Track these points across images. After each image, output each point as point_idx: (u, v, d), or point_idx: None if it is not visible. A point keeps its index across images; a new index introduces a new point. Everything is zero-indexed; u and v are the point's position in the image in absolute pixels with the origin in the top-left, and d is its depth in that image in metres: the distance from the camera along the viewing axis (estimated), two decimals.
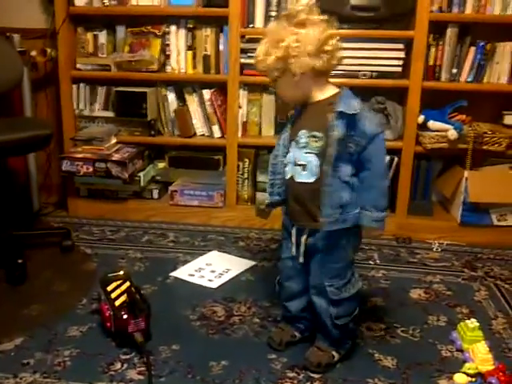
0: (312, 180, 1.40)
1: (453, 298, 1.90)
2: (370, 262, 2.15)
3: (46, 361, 1.49)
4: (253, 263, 2.11)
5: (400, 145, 2.36)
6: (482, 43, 2.28)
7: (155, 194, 2.58)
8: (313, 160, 1.39)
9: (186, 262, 2.11)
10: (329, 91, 1.41)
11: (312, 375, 1.46)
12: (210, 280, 1.97)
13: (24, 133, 1.98)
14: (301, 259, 1.48)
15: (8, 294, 1.85)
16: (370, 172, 1.39)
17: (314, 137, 1.38)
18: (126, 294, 1.60)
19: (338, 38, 1.37)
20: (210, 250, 2.22)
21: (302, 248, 1.46)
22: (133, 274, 1.80)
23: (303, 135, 1.40)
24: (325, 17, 1.36)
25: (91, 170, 2.41)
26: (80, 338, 1.60)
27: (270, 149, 1.62)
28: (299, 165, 1.41)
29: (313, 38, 1.32)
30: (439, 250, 2.29)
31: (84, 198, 2.57)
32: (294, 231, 1.48)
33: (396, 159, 2.38)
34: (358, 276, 1.51)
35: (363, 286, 1.94)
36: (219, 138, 2.49)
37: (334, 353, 1.50)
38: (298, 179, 1.42)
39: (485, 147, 2.28)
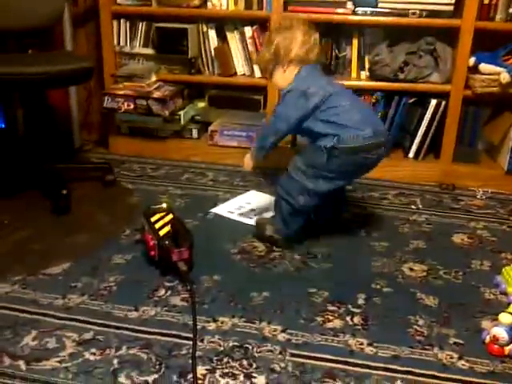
0: None
1: (497, 244, 1.86)
2: (412, 207, 2.11)
3: (93, 285, 1.53)
4: None
5: (448, 88, 2.27)
6: None
7: (195, 133, 2.57)
8: None
9: (225, 200, 2.12)
10: None
11: (352, 309, 1.46)
12: (249, 217, 1.97)
13: (65, 65, 1.97)
14: None
15: (53, 223, 1.89)
16: None
17: None
18: (169, 225, 1.62)
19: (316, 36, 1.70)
20: (248, 190, 2.22)
21: None
22: (174, 209, 1.81)
23: None
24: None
25: (132, 106, 2.40)
26: (124, 266, 1.64)
27: None
28: None
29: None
30: (483, 197, 2.23)
31: (125, 136, 2.58)
32: None
33: (443, 103, 2.29)
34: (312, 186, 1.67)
35: (403, 228, 1.93)
36: (260, 77, 2.44)
37: (267, 226, 1.78)
38: None
39: None
